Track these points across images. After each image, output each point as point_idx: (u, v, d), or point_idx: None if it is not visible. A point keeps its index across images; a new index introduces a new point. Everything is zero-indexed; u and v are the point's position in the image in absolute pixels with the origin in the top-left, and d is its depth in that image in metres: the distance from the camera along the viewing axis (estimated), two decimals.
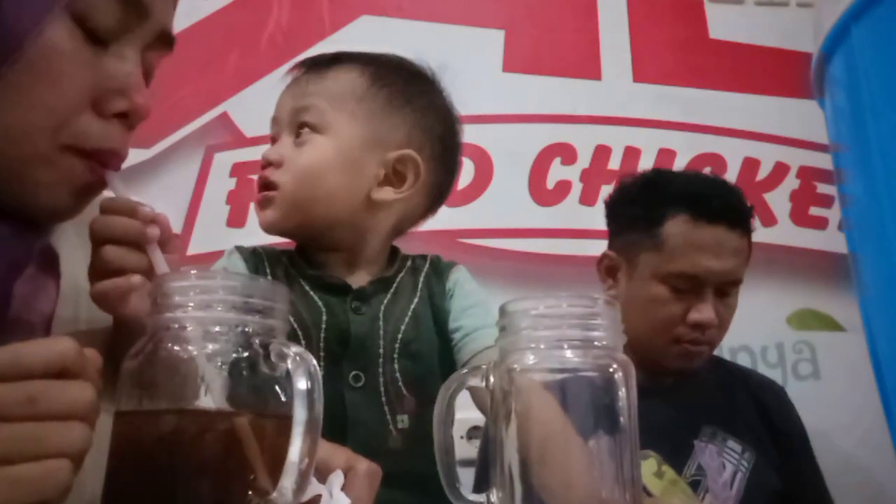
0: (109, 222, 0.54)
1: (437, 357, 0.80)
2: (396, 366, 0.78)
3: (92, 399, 0.41)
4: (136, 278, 0.54)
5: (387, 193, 0.82)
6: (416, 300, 0.82)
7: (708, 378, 1.22)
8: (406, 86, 0.85)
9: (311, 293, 0.80)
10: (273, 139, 0.85)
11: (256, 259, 0.83)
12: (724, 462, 1.10)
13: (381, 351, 0.78)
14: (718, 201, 1.14)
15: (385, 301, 0.81)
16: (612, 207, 1.26)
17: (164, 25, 0.58)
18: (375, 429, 0.75)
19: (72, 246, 0.62)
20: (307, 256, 0.84)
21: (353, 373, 0.76)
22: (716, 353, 1.51)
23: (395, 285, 0.83)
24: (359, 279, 0.82)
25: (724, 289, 1.13)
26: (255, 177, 0.87)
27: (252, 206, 1.66)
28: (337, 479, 0.53)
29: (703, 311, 1.11)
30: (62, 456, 0.39)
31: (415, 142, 0.84)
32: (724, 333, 1.18)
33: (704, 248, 1.10)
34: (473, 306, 0.82)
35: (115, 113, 0.55)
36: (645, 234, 1.15)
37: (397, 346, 0.78)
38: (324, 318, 0.78)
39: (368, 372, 0.77)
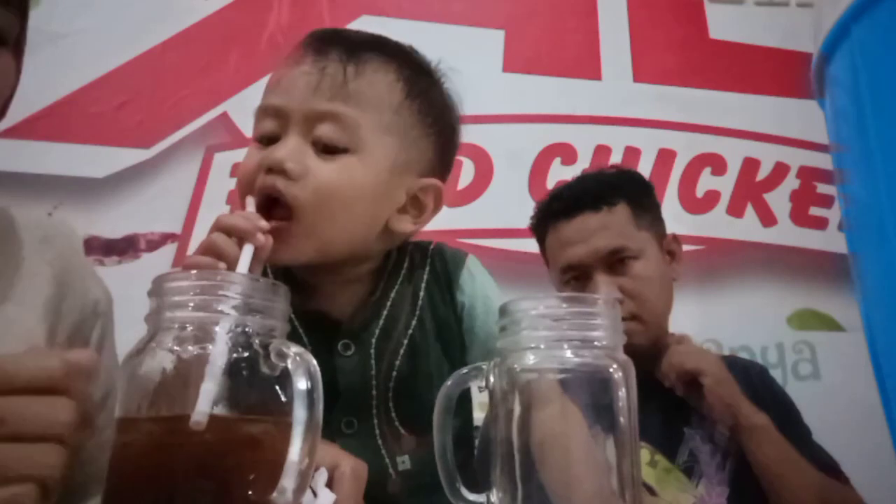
0: (232, 217, 0.63)
1: (439, 385, 0.66)
2: (392, 405, 0.72)
3: (69, 420, 0.39)
4: (219, 264, 0.60)
5: (405, 224, 0.73)
6: (413, 322, 0.74)
7: None
8: (436, 96, 0.76)
9: (301, 331, 0.71)
10: (270, 136, 0.70)
11: None
12: (715, 446, 1.11)
13: (374, 392, 0.71)
14: (567, 193, 1.18)
15: (377, 333, 0.73)
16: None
17: None
18: (373, 475, 0.64)
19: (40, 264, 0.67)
20: (296, 277, 0.74)
21: (345, 419, 0.70)
22: (716, 352, 1.51)
23: (388, 305, 0.74)
24: (349, 298, 0.75)
25: (614, 265, 1.13)
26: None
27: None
28: (321, 476, 0.53)
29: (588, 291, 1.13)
30: (28, 481, 0.37)
31: (436, 167, 0.75)
32: (648, 305, 1.13)
33: (569, 241, 1.14)
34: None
35: None
36: (543, 252, 1.22)
37: (392, 384, 0.72)
38: None
39: (361, 417, 0.71)
